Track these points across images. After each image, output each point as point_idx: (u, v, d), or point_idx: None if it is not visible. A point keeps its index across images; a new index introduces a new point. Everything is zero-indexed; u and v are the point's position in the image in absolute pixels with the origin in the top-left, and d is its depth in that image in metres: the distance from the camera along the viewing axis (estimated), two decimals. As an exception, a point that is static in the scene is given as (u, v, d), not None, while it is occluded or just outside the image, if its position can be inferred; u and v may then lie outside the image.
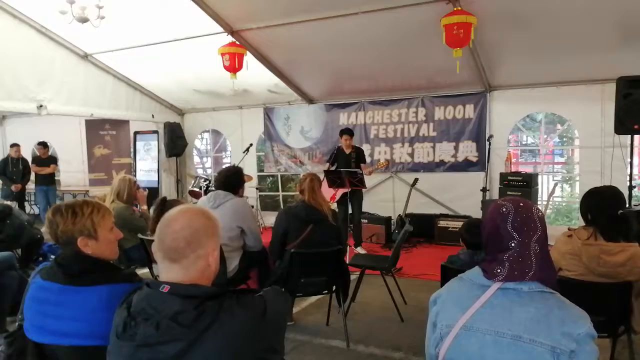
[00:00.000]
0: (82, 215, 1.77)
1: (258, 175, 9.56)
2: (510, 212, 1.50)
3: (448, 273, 3.01)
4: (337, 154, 6.97)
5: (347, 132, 6.95)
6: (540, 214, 1.52)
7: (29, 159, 9.57)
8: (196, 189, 8.47)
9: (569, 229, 2.89)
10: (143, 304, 1.39)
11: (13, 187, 9.07)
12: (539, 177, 7.63)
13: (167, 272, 1.44)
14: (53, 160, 9.41)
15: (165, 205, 3.87)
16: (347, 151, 6.88)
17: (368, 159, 7.49)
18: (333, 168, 6.84)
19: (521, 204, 1.51)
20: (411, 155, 8.02)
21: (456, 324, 1.49)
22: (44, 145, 9.36)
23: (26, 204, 10.12)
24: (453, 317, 1.51)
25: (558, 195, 9.53)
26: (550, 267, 1.53)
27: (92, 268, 1.75)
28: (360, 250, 6.72)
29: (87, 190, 9.66)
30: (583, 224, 2.82)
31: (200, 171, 10.82)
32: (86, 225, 1.76)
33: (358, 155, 6.90)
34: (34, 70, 6.90)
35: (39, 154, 9.48)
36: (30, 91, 6.85)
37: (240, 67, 6.35)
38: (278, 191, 9.67)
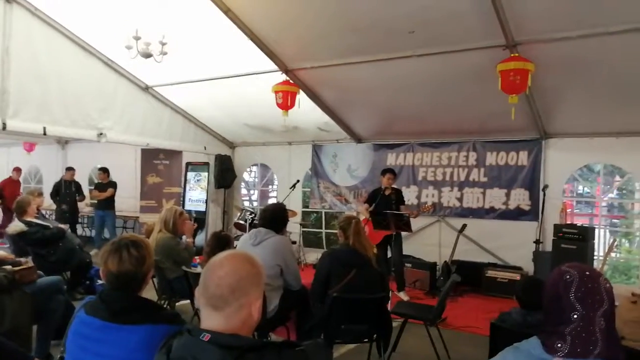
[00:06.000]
0: (150, 251, 1.95)
1: (302, 211, 9.56)
2: (575, 280, 1.39)
3: (498, 332, 2.86)
4: (375, 195, 6.85)
5: (391, 170, 6.86)
6: (607, 285, 1.40)
7: (87, 183, 9.86)
8: (241, 222, 8.55)
9: (632, 294, 2.68)
10: (182, 351, 1.36)
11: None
12: (596, 230, 7.24)
13: (209, 319, 1.41)
14: (112, 184, 9.48)
15: (219, 240, 3.93)
16: (387, 192, 6.77)
17: (415, 201, 7.33)
18: (371, 209, 6.72)
19: (587, 272, 1.40)
20: (460, 199, 7.81)
21: (511, 400, 1.37)
22: (103, 170, 9.55)
23: (78, 226, 10.45)
24: (508, 391, 1.39)
25: (615, 250, 9.01)
26: (618, 344, 1.40)
27: (135, 306, 1.76)
28: (403, 295, 6.51)
29: (138, 217, 9.91)
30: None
31: (246, 203, 10.94)
32: (153, 259, 1.98)
33: (398, 197, 6.79)
34: (97, 100, 7.22)
35: (99, 180, 9.65)
36: (92, 119, 7.17)
37: (292, 105, 6.44)
38: (321, 228, 9.61)
